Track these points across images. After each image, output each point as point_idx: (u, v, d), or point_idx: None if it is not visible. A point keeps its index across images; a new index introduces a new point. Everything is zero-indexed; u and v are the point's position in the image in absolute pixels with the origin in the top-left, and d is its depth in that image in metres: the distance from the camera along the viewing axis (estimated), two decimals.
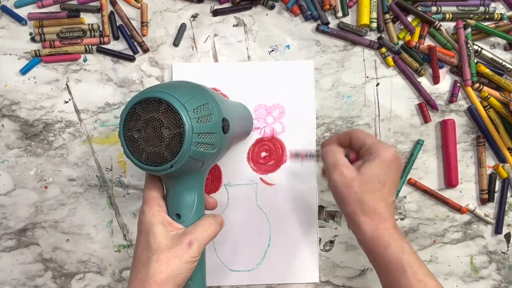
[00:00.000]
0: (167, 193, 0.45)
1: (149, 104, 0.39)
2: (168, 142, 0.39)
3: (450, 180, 0.61)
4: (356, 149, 0.48)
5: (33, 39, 0.60)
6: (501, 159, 0.61)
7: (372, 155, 0.45)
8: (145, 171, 0.41)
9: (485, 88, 0.61)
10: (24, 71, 0.60)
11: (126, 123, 0.40)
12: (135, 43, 0.60)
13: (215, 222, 0.44)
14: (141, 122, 0.39)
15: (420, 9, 0.61)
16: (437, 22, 0.61)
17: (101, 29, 0.60)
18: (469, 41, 0.60)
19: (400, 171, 0.47)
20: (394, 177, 0.46)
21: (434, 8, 0.61)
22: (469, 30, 0.60)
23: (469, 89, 0.61)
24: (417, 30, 0.61)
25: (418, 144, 0.61)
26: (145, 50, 0.60)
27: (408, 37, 0.61)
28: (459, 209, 0.61)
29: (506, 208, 0.61)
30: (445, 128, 0.61)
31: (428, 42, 0.62)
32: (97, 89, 0.60)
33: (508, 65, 0.61)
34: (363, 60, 0.62)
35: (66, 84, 0.60)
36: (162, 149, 0.39)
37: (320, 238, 0.61)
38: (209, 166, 0.45)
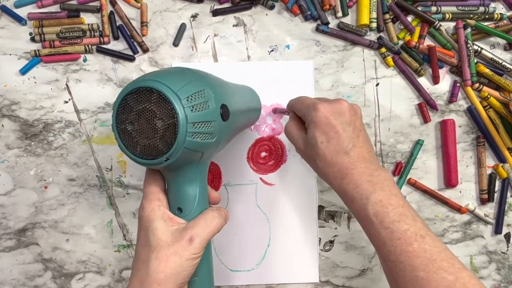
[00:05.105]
0: (168, 186, 0.43)
1: (140, 94, 0.37)
2: (162, 134, 0.36)
3: (450, 180, 0.61)
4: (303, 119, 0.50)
5: (33, 39, 0.60)
6: (501, 159, 0.61)
7: (307, 122, 0.48)
8: (141, 164, 0.39)
9: (485, 88, 0.61)
10: (24, 71, 0.60)
11: (118, 115, 0.38)
12: (135, 43, 0.60)
13: (218, 216, 0.42)
14: (133, 114, 0.37)
15: (420, 9, 0.61)
16: (437, 22, 0.61)
17: (101, 29, 0.60)
18: (469, 41, 0.60)
19: (348, 114, 0.47)
20: (341, 126, 0.46)
21: (434, 8, 0.61)
22: (469, 30, 0.60)
23: (469, 89, 0.61)
24: (417, 30, 0.61)
25: (418, 144, 0.61)
26: (145, 50, 0.60)
27: (408, 37, 0.61)
28: (459, 209, 0.61)
29: (506, 208, 0.62)
30: (445, 128, 0.61)
31: (428, 42, 0.62)
32: (97, 89, 0.60)
33: (508, 65, 0.61)
34: (363, 60, 0.62)
35: (66, 84, 0.60)
36: (157, 141, 0.37)
37: (320, 238, 0.61)
38: (210, 156, 0.43)
